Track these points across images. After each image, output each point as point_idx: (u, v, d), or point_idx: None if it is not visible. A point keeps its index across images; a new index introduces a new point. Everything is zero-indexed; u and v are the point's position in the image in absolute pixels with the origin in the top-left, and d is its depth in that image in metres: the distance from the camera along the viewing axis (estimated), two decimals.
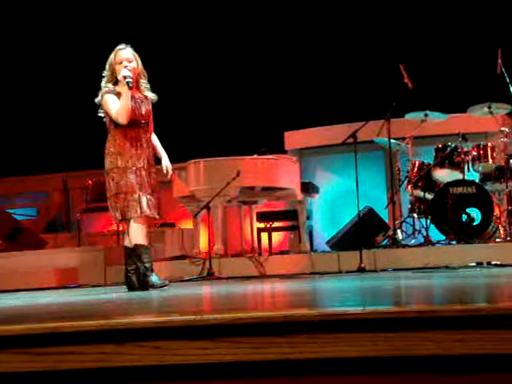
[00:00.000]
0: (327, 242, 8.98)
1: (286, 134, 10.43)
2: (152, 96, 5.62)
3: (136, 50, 5.54)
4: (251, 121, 10.16)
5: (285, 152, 10.11)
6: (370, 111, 8.20)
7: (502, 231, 7.72)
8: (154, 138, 5.73)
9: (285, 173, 8.46)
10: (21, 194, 11.77)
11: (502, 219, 7.81)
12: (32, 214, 11.64)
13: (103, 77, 5.57)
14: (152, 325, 2.35)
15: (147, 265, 5.46)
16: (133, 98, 5.48)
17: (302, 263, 7.63)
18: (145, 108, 5.55)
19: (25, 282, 7.90)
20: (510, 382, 2.19)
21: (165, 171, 5.69)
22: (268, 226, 9.24)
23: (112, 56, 5.53)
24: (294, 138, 10.44)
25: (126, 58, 5.49)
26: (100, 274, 8.23)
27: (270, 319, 2.30)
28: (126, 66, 5.46)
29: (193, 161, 8.26)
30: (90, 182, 10.21)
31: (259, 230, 9.17)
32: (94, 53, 11.52)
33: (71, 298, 5.27)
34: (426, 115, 8.23)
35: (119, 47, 5.54)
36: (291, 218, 9.19)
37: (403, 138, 8.42)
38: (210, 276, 7.27)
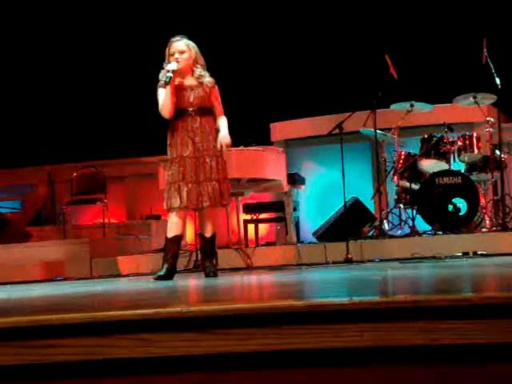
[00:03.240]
0: (314, 233, 8.99)
1: (272, 125, 10.41)
2: (208, 80, 5.67)
3: None
4: (237, 112, 10.12)
5: (271, 143, 10.10)
6: (356, 102, 8.19)
7: (487, 221, 7.74)
8: (222, 121, 5.72)
9: (271, 164, 8.45)
10: (5, 187, 11.70)
11: (488, 209, 7.83)
12: (17, 206, 11.58)
13: (162, 68, 5.68)
14: (139, 317, 2.33)
15: (165, 256, 5.67)
16: (181, 87, 5.61)
17: (289, 254, 7.63)
18: (194, 95, 5.64)
19: (10, 275, 7.87)
20: (497, 371, 2.20)
21: (218, 147, 5.64)
22: (254, 217, 9.23)
23: (167, 48, 5.68)
24: (280, 129, 10.42)
25: (178, 50, 5.63)
26: (86, 267, 8.21)
27: (256, 311, 2.29)
28: (177, 58, 5.59)
29: None
30: (75, 174, 10.16)
31: (245, 222, 9.16)
32: (83, 46, 11.51)
33: (57, 290, 5.25)
34: (411, 106, 8.23)
35: (173, 39, 5.69)
36: (278, 209, 9.19)
37: (389, 129, 8.42)
38: (196, 268, 7.26)
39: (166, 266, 5.61)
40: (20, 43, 11.65)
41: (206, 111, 5.68)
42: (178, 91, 5.64)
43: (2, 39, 11.54)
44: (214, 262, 5.83)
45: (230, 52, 10.79)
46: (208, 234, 5.73)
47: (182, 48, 5.64)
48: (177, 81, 5.65)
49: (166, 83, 5.52)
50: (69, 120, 11.42)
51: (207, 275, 5.65)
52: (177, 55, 5.61)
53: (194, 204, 5.59)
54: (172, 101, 5.60)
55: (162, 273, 5.58)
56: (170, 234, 5.69)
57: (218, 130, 5.71)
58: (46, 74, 11.54)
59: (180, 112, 5.64)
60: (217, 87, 5.75)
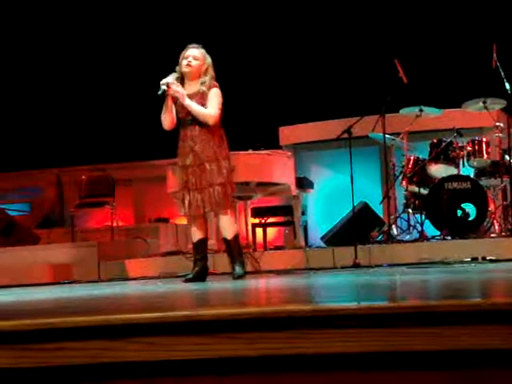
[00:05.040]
0: (322, 238, 8.98)
1: (281, 129, 10.42)
2: (204, 88, 5.73)
3: None
4: (246, 116, 10.15)
5: (279, 147, 10.11)
6: (365, 106, 8.19)
7: (496, 226, 7.73)
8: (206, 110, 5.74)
9: (279, 168, 8.45)
10: (14, 190, 11.73)
11: (497, 214, 7.82)
12: (25, 209, 11.61)
13: (175, 71, 5.83)
14: (147, 320, 2.33)
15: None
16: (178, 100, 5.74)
17: (297, 259, 7.63)
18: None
19: (18, 277, 7.88)
20: (504, 377, 2.19)
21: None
22: (263, 221, 9.22)
23: (182, 52, 5.82)
24: (289, 133, 10.43)
25: (192, 55, 5.77)
26: (94, 270, 8.22)
27: (264, 315, 2.29)
28: (189, 61, 5.73)
29: None
30: (83, 177, 10.18)
31: (254, 226, 9.15)
32: (93, 50, 11.54)
33: (65, 293, 5.25)
34: (421, 110, 8.22)
35: (190, 45, 5.83)
36: (286, 213, 9.18)
37: (398, 133, 8.41)
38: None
39: (194, 269, 5.86)
40: (30, 46, 11.69)
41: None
42: (180, 101, 5.75)
43: (12, 43, 11.58)
44: (242, 263, 5.88)
45: (239, 56, 10.80)
46: (228, 237, 5.84)
47: (196, 54, 5.77)
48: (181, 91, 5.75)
49: (159, 95, 5.65)
50: (78, 123, 11.45)
51: (234, 277, 5.77)
52: (190, 59, 5.74)
53: (196, 211, 5.76)
54: (168, 113, 5.78)
55: (189, 275, 5.82)
56: (192, 240, 5.97)
57: (221, 136, 5.82)
58: (55, 76, 11.58)
59: (181, 122, 5.79)
60: (214, 90, 5.76)
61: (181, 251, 8.64)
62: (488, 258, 6.50)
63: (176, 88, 5.68)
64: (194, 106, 5.68)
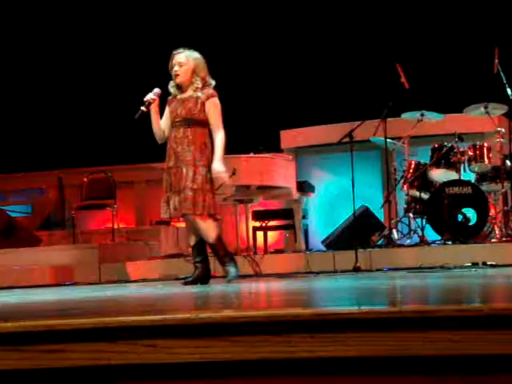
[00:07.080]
0: (323, 242, 8.98)
1: (282, 132, 10.41)
2: (200, 94, 5.69)
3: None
4: (247, 119, 10.14)
5: (281, 151, 10.10)
6: (367, 111, 8.19)
7: (497, 231, 7.72)
8: (217, 138, 5.70)
9: (281, 171, 8.45)
10: (15, 191, 11.73)
11: (498, 219, 7.81)
12: (27, 211, 11.60)
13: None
14: (147, 323, 2.33)
15: None
16: (176, 100, 5.76)
17: (298, 262, 7.63)
18: (183, 107, 5.71)
19: (19, 279, 7.88)
20: (506, 382, 2.19)
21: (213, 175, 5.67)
22: (263, 224, 9.22)
23: (170, 60, 5.79)
24: (290, 137, 10.42)
25: (177, 63, 5.73)
26: (95, 272, 8.22)
27: (265, 318, 2.29)
28: (176, 71, 5.71)
29: None
30: (85, 179, 10.18)
31: (255, 229, 9.16)
32: (88, 52, 11.55)
33: (65, 295, 5.26)
34: (422, 115, 8.22)
35: (175, 51, 5.79)
36: (287, 216, 9.18)
37: (399, 138, 8.42)
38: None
39: (195, 272, 5.81)
40: (31, 48, 11.70)
41: (193, 122, 5.69)
42: (174, 104, 5.78)
43: (13, 44, 11.59)
44: (232, 265, 5.78)
45: (241, 60, 10.81)
46: (210, 241, 5.76)
47: (181, 61, 5.71)
48: (179, 96, 5.76)
49: (142, 111, 5.68)
50: (79, 125, 11.45)
51: (227, 281, 5.73)
52: (176, 68, 5.72)
53: (175, 214, 5.78)
54: (156, 128, 5.81)
55: (188, 278, 5.81)
56: (190, 243, 5.93)
57: (205, 143, 5.72)
58: (57, 78, 11.58)
59: (171, 123, 5.78)
60: (213, 100, 5.72)
61: (182, 254, 8.63)
62: (488, 263, 6.50)
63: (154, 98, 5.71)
64: (220, 153, 5.64)
